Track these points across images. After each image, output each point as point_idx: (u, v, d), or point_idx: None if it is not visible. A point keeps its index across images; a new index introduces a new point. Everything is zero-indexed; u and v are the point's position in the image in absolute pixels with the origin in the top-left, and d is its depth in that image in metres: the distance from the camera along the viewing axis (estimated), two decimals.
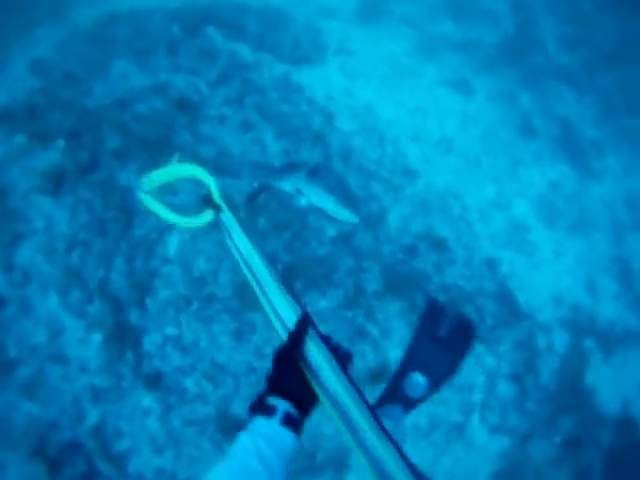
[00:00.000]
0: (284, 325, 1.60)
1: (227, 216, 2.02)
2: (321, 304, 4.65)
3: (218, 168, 4.97)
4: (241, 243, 1.86)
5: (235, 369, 4.32)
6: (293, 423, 1.39)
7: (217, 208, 2.04)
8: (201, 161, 4.91)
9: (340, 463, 4.24)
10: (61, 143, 4.91)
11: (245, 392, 4.26)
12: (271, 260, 1.76)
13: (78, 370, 4.11)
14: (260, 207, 4.87)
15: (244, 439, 1.33)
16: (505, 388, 4.98)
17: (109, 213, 4.58)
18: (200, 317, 4.37)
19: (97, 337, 4.22)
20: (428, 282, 5.27)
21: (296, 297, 1.65)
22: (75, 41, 7.52)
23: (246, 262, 1.79)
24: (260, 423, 1.38)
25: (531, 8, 9.88)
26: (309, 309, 1.59)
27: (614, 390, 5.39)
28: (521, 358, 5.15)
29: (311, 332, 1.53)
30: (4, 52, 9.54)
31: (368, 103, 6.60)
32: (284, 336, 1.58)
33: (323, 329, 1.50)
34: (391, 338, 4.77)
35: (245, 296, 4.42)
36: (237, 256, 1.86)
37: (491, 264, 5.71)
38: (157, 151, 4.96)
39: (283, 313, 1.62)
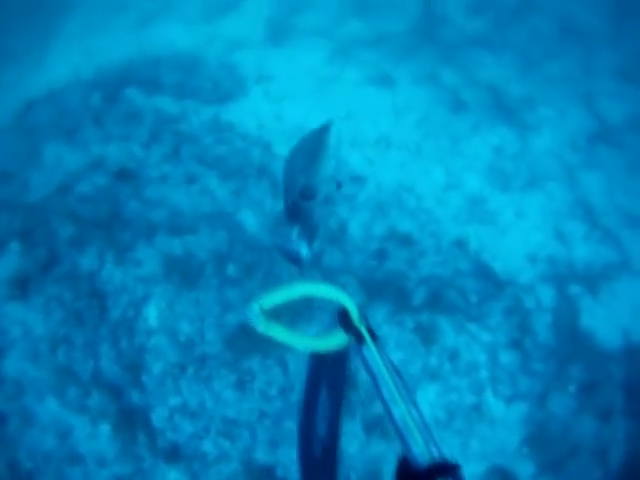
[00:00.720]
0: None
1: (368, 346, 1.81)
2: (312, 330, 4.69)
3: (174, 228, 4.98)
4: (379, 374, 1.72)
5: (247, 419, 4.34)
6: None
7: (356, 333, 1.80)
8: (153, 226, 4.99)
9: None
10: (15, 246, 4.91)
11: (263, 437, 4.28)
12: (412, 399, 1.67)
13: (97, 465, 4.09)
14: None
15: None
16: (507, 357, 5.04)
17: (81, 302, 4.58)
18: (199, 379, 4.38)
19: (105, 427, 4.20)
20: (406, 279, 5.33)
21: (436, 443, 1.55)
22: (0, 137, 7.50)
23: (380, 392, 1.72)
24: None
25: None
26: None
27: (611, 325, 5.46)
28: (514, 324, 5.22)
29: None
30: None
31: (300, 122, 6.67)
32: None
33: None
34: (387, 343, 4.81)
35: (235, 344, 4.46)
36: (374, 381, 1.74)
37: (460, 244, 5.79)
38: (110, 228, 4.96)
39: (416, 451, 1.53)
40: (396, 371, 1.74)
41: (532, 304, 5.43)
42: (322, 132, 2.38)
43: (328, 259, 5.29)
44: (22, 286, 4.66)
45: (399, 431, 1.57)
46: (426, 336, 4.95)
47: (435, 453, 1.51)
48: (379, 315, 4.95)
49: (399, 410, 1.60)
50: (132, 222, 5.04)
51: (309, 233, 2.61)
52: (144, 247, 4.86)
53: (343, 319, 1.85)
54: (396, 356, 4.69)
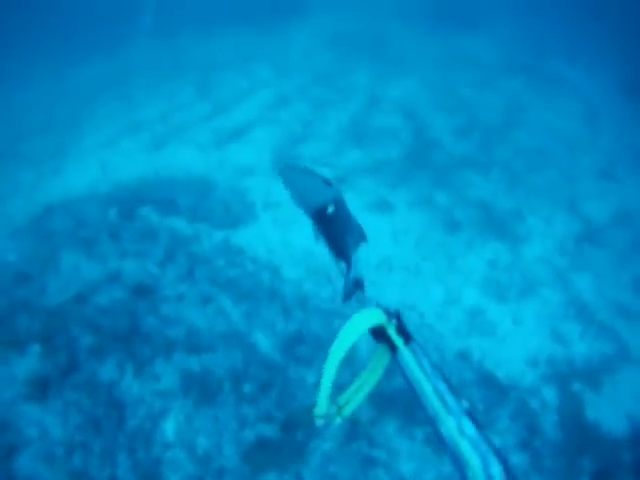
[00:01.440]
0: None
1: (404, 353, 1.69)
2: (325, 446, 4.91)
3: (192, 346, 5.32)
4: (417, 382, 1.64)
5: None
6: None
7: (389, 342, 1.73)
8: (171, 343, 5.34)
9: None
10: (36, 348, 5.15)
11: None
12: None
13: None
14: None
15: None
16: (518, 458, 5.22)
17: (99, 410, 4.76)
18: None
19: None
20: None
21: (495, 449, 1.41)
22: (17, 238, 7.87)
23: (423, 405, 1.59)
24: None
25: (419, 111, 11.10)
26: None
27: (616, 414, 5.73)
28: (522, 425, 5.47)
29: None
30: None
31: (306, 248, 7.16)
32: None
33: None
34: (399, 455, 5.01)
35: (252, 459, 4.67)
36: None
37: (463, 355, 6.15)
38: (129, 342, 5.28)
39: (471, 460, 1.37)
40: (442, 376, 1.65)
41: (537, 405, 5.72)
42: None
43: (337, 377, 5.61)
44: (41, 388, 4.83)
45: (450, 452, 1.41)
46: (436, 446, 5.12)
47: (495, 474, 1.32)
48: (389, 429, 5.18)
49: (445, 426, 1.47)
50: (150, 337, 5.37)
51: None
52: (162, 363, 5.16)
53: (376, 332, 1.75)
54: (408, 467, 4.92)
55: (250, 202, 7.90)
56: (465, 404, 1.55)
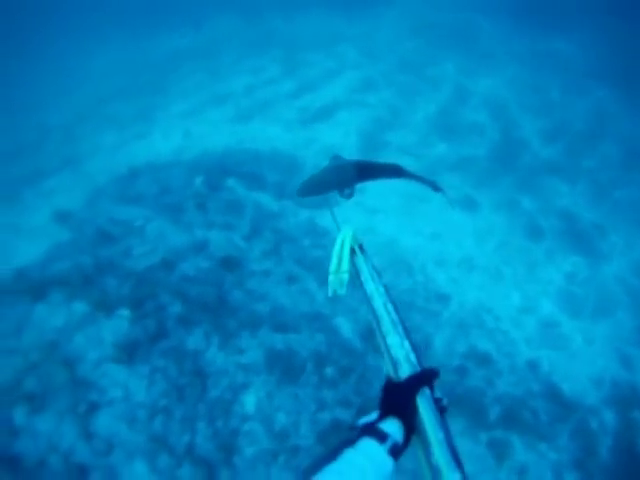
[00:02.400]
0: (398, 362, 1.68)
1: (359, 258, 2.18)
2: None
3: (277, 324, 5.24)
4: (367, 283, 2.01)
5: None
6: (396, 453, 1.52)
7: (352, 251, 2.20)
8: (257, 319, 5.27)
9: None
10: (126, 312, 5.15)
11: None
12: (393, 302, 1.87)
13: None
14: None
15: (354, 458, 1.44)
16: (571, 477, 5.14)
17: (184, 379, 4.73)
18: (289, 468, 4.44)
19: None
20: (482, 396, 5.54)
21: (414, 345, 1.72)
22: (100, 197, 7.96)
23: (369, 300, 1.94)
24: (369, 446, 1.49)
25: (507, 110, 10.74)
26: None
27: None
28: (579, 445, 5.35)
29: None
30: (17, 194, 9.95)
31: (390, 237, 7.04)
32: (399, 371, 1.67)
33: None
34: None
35: (327, 441, 4.60)
36: (366, 291, 1.98)
37: (533, 365, 6.00)
38: (216, 313, 5.24)
39: (396, 352, 1.71)
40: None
41: (596, 426, 5.57)
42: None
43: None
44: (129, 352, 4.85)
45: (384, 344, 1.73)
46: (498, 451, 5.09)
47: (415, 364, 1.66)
48: (456, 428, 5.08)
49: (379, 309, 1.86)
50: (237, 311, 5.32)
51: None
52: (248, 337, 5.11)
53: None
54: (467, 468, 4.81)
55: None
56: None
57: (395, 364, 1.69)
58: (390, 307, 1.89)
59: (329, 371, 5.03)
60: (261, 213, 6.82)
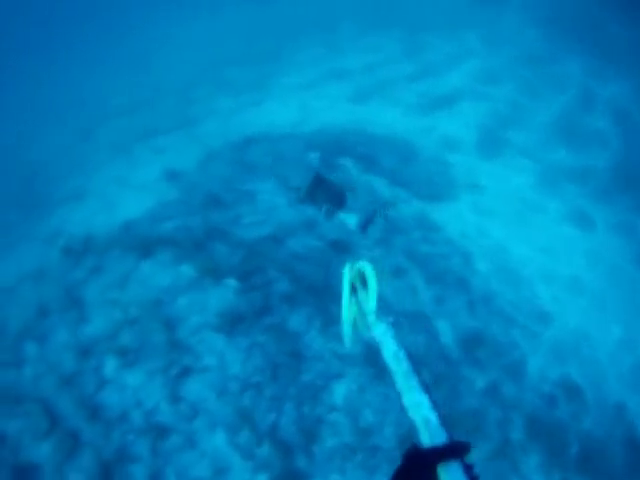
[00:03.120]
0: (415, 424, 1.56)
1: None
2: (472, 456, 4.63)
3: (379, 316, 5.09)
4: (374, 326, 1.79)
5: None
6: None
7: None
8: None
9: None
10: (233, 282, 5.14)
11: None
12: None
13: None
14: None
15: None
16: None
17: (281, 358, 4.70)
18: (365, 467, 4.37)
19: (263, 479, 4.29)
20: (565, 431, 5.26)
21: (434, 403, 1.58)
22: (213, 161, 8.00)
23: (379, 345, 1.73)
24: None
25: (632, 119, 10.06)
26: None
27: None
28: None
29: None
30: (130, 148, 10.20)
31: (500, 242, 6.75)
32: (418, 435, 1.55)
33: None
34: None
35: (407, 444, 4.45)
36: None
37: (620, 407, 5.64)
38: (321, 296, 5.15)
39: (413, 412, 1.59)
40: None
41: None
42: None
43: (506, 389, 5.29)
44: (231, 322, 4.87)
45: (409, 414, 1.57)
46: None
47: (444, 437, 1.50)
48: (532, 461, 4.88)
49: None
50: (339, 295, 5.19)
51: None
52: None
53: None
54: None
55: (452, 179, 7.53)
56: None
57: (413, 427, 1.56)
58: (402, 354, 1.70)
59: (423, 375, 4.85)
60: (373, 198, 6.66)
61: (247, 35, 14.97)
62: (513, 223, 7.16)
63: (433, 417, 1.58)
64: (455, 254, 6.28)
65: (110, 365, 4.65)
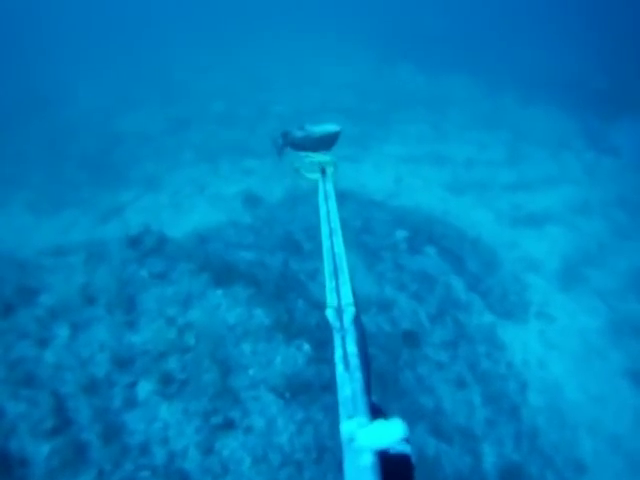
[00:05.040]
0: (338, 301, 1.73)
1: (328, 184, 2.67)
2: None
3: (434, 427, 5.09)
4: (332, 207, 2.32)
5: None
6: None
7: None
8: (419, 411, 5.15)
9: None
10: (306, 347, 4.93)
11: None
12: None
13: None
14: None
15: None
16: None
17: (331, 442, 4.43)
18: None
19: None
20: None
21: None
22: (298, 202, 8.13)
23: (329, 223, 2.18)
24: None
25: None
26: None
27: None
28: None
29: None
30: (215, 159, 10.41)
31: (557, 380, 6.72)
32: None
33: None
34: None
35: None
36: (323, 215, 2.28)
37: None
38: (387, 390, 5.13)
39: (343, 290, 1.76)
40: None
41: None
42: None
43: None
44: (293, 389, 4.61)
45: None
46: None
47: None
48: None
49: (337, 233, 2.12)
50: (404, 395, 5.22)
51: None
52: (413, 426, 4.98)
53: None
54: None
55: (527, 300, 7.57)
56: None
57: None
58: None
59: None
60: (449, 297, 6.74)
61: (363, 89, 15.30)
62: (573, 363, 7.11)
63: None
64: (513, 379, 6.28)
65: (146, 387, 4.27)
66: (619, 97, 15.90)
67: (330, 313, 1.73)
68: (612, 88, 16.34)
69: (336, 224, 2.19)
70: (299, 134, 3.61)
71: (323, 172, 2.96)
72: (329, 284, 1.81)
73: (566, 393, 6.71)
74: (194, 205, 10.34)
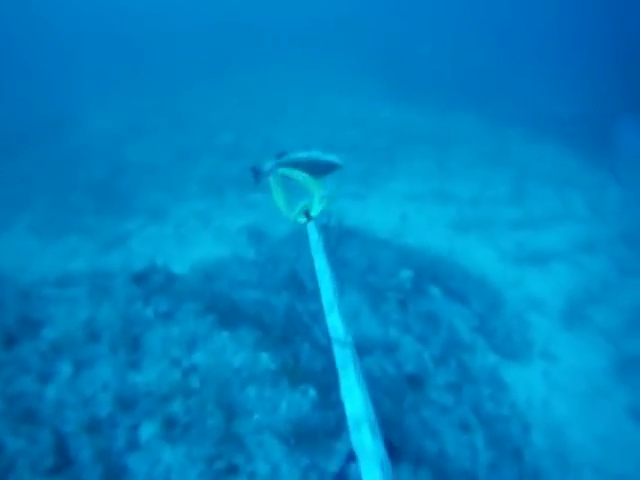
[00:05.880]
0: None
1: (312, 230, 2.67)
2: None
3: (437, 473, 5.10)
4: (317, 257, 2.52)
5: None
6: None
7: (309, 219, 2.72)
8: (421, 455, 5.17)
9: None
10: (312, 392, 4.88)
11: None
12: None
13: None
14: None
15: None
16: None
17: None
18: None
19: None
20: None
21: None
22: (304, 239, 8.19)
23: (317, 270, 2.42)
24: None
25: None
26: None
27: None
28: None
29: None
30: (222, 192, 10.51)
31: (561, 422, 6.75)
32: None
33: None
34: None
35: None
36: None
37: None
38: (390, 433, 5.14)
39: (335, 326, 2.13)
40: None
41: None
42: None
43: None
44: (299, 436, 4.58)
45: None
46: None
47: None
48: None
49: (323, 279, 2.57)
50: (408, 439, 5.25)
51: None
52: (409, 473, 4.93)
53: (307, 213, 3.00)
54: None
55: (529, 340, 7.62)
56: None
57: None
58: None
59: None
60: (453, 338, 6.79)
61: (369, 125, 15.47)
62: (577, 403, 7.14)
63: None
64: (516, 420, 6.31)
65: (149, 429, 4.24)
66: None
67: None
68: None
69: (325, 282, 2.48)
70: (302, 154, 3.81)
71: (307, 215, 2.96)
72: None
73: (570, 433, 6.73)
74: (199, 238, 10.45)
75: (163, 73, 23.90)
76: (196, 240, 10.51)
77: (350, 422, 1.89)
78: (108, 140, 15.94)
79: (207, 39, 30.54)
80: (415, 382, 5.86)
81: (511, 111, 17.63)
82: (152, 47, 29.45)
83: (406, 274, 7.54)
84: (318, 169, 3.86)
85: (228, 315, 5.38)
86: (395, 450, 4.99)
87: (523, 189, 12.44)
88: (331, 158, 3.98)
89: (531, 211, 11.49)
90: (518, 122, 16.68)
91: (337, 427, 4.76)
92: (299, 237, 8.63)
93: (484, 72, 21.22)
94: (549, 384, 7.14)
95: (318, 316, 6.21)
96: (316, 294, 6.63)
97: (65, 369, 4.49)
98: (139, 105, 19.30)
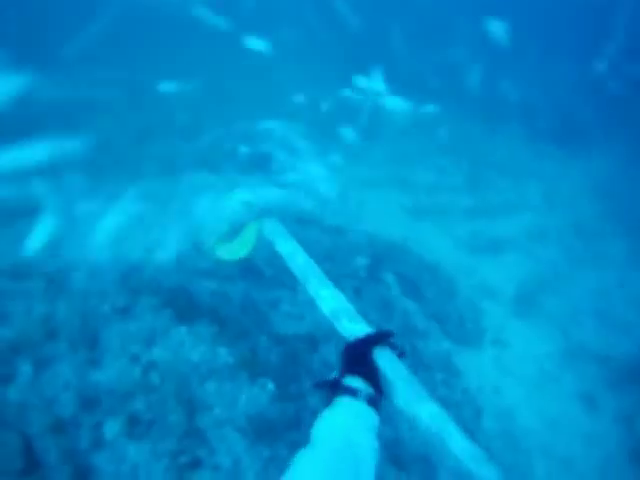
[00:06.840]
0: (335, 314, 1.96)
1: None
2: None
3: (393, 459, 5.18)
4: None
5: None
6: (375, 403, 1.57)
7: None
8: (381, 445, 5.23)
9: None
10: (270, 386, 4.93)
11: None
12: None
13: None
14: None
15: (335, 418, 1.46)
16: None
17: None
18: None
19: None
20: None
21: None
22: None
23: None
24: (345, 402, 1.53)
25: None
26: None
27: None
28: None
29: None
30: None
31: (511, 406, 6.91)
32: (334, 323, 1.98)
33: None
34: None
35: None
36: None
37: None
38: None
39: (330, 303, 2.03)
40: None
41: None
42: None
43: None
44: (257, 429, 4.65)
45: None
46: None
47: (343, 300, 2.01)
48: None
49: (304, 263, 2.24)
50: None
51: None
52: None
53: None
54: None
55: (482, 327, 7.77)
56: None
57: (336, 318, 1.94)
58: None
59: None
60: (407, 325, 6.86)
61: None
62: (527, 389, 7.32)
63: (351, 309, 1.97)
64: (468, 406, 6.43)
65: (113, 427, 4.25)
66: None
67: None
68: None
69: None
70: None
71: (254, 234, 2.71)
72: None
73: (520, 418, 6.90)
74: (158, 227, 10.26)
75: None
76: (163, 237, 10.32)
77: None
78: None
79: None
80: None
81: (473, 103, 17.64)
82: None
83: (362, 261, 7.58)
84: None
85: (186, 311, 5.36)
86: None
87: (480, 178, 12.59)
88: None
89: (487, 201, 11.65)
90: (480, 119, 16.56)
91: (296, 418, 4.81)
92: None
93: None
94: (500, 370, 7.30)
95: (277, 305, 6.22)
96: (271, 282, 6.64)
97: (25, 369, 4.45)
98: None
